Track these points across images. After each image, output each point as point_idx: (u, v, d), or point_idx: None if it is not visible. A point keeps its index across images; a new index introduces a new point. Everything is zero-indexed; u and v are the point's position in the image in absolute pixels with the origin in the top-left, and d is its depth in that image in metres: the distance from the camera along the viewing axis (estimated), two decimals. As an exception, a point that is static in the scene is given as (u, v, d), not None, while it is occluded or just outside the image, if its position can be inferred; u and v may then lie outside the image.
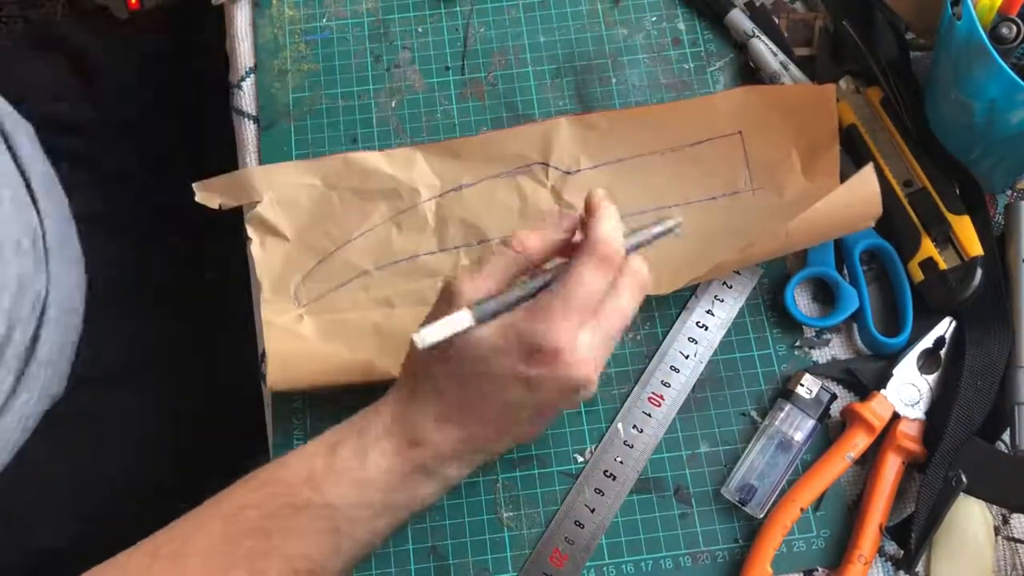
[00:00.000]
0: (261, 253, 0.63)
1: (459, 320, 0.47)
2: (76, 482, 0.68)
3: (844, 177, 0.61)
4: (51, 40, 0.78)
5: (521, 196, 0.63)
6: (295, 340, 0.60)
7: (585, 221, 0.51)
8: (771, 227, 0.57)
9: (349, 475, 0.49)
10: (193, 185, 0.63)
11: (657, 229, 0.52)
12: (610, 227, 0.49)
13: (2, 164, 0.64)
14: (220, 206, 0.64)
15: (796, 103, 0.63)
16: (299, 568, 0.49)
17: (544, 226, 0.51)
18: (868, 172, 0.56)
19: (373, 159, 0.64)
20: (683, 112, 0.64)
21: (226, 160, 0.67)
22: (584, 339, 0.48)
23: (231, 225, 0.68)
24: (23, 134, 0.70)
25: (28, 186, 0.66)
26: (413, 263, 0.62)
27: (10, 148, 0.68)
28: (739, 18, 0.67)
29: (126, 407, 0.71)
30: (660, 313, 0.62)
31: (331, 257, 0.62)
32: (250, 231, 0.63)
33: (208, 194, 0.63)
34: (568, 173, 0.63)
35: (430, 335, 0.47)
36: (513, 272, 0.51)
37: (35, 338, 0.64)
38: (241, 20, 0.70)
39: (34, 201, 0.66)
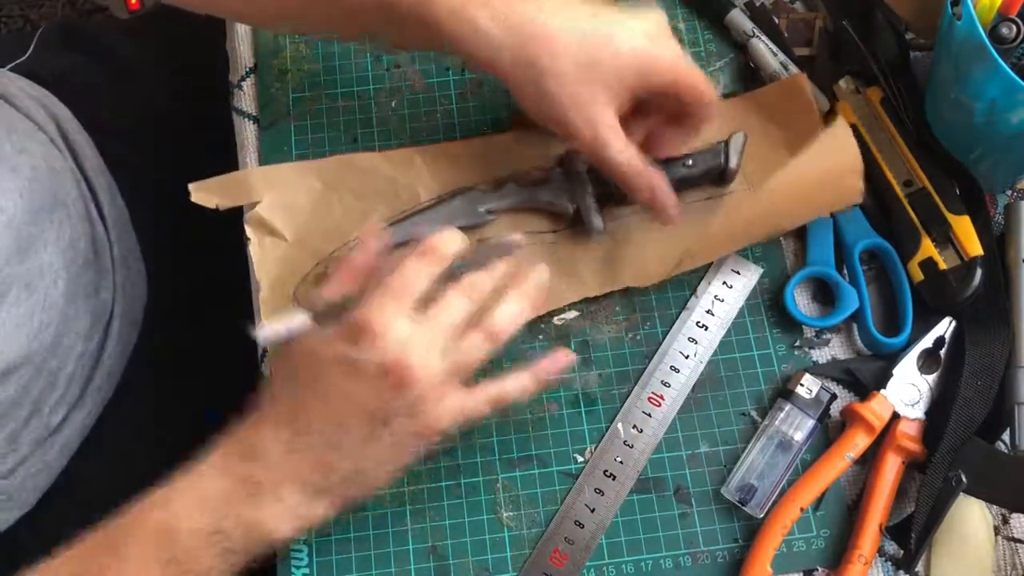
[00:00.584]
0: (260, 253, 0.62)
1: (296, 318, 0.48)
2: (107, 489, 0.69)
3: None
4: (85, 39, 0.78)
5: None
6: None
7: None
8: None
9: (190, 492, 0.49)
10: (189, 186, 0.63)
11: (502, 240, 0.53)
12: (444, 235, 0.52)
13: (71, 176, 0.64)
14: (217, 207, 0.63)
15: (773, 101, 0.64)
16: None
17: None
18: (839, 122, 0.57)
19: (372, 160, 0.64)
20: None
21: (226, 160, 0.67)
22: (402, 324, 0.48)
23: (225, 225, 0.68)
24: (85, 143, 0.71)
25: (96, 198, 0.67)
26: None
27: (76, 159, 0.68)
28: (739, 18, 0.67)
29: (152, 411, 0.72)
30: (660, 313, 0.62)
31: (330, 259, 0.62)
32: (249, 231, 0.63)
33: (205, 194, 0.63)
34: None
35: (265, 331, 0.48)
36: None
37: (100, 348, 0.65)
38: (241, 20, 0.70)
39: (100, 211, 0.67)
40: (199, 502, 0.48)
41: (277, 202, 0.63)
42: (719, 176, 0.62)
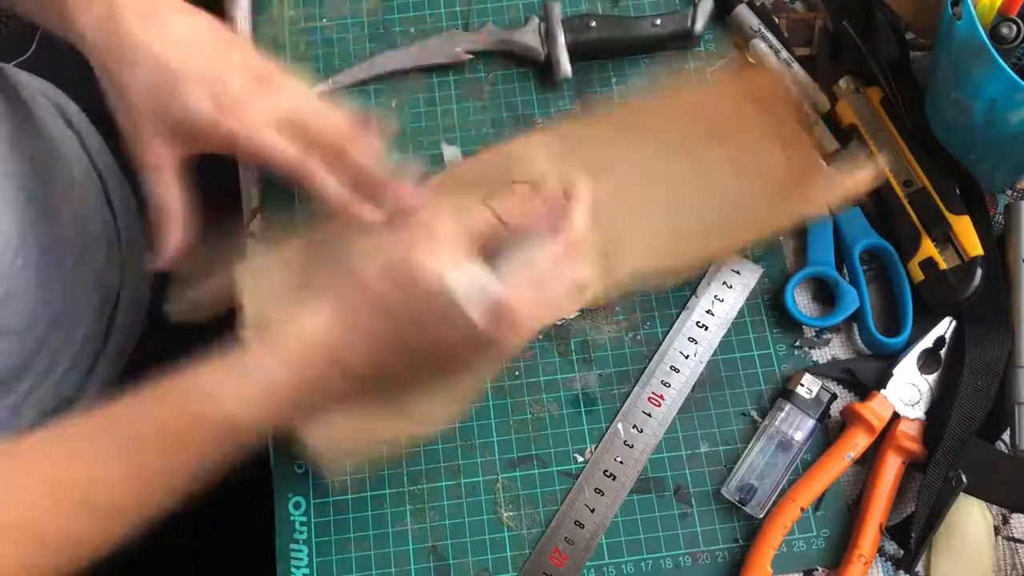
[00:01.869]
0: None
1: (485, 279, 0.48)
2: None
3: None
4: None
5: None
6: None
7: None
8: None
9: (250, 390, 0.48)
10: (165, 308, 0.59)
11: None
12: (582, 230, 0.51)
13: (78, 156, 0.64)
14: (205, 319, 0.58)
15: (737, 95, 0.63)
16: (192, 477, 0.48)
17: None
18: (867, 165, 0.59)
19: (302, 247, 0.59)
20: (681, 107, 0.63)
21: (226, 160, 0.67)
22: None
23: (227, 224, 0.68)
24: (91, 133, 0.71)
25: (104, 184, 0.67)
26: None
27: (87, 150, 0.69)
28: (745, 14, 0.67)
29: None
30: (660, 313, 0.62)
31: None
32: (239, 278, 0.58)
33: (190, 312, 0.59)
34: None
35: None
36: None
37: (107, 333, 0.66)
38: (241, 20, 0.70)
39: (110, 203, 0.67)
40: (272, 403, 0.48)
41: (259, 293, 0.58)
42: (685, 37, 0.65)
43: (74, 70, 0.77)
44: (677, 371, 0.60)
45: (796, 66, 0.66)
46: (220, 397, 0.48)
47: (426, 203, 0.54)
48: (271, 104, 0.54)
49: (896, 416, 0.58)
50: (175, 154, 0.56)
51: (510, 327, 0.47)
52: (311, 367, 0.49)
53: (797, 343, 0.61)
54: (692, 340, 0.61)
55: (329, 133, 0.54)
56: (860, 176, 0.59)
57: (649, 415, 0.59)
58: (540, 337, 0.61)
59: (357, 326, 0.49)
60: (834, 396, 0.58)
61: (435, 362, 0.51)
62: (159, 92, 0.54)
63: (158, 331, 0.73)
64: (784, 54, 0.66)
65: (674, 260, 0.60)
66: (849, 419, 0.58)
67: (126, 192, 0.74)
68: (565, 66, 0.66)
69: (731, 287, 0.62)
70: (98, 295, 0.66)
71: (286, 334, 0.49)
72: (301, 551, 0.57)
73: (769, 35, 0.66)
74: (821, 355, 0.61)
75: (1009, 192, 0.64)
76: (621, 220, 0.61)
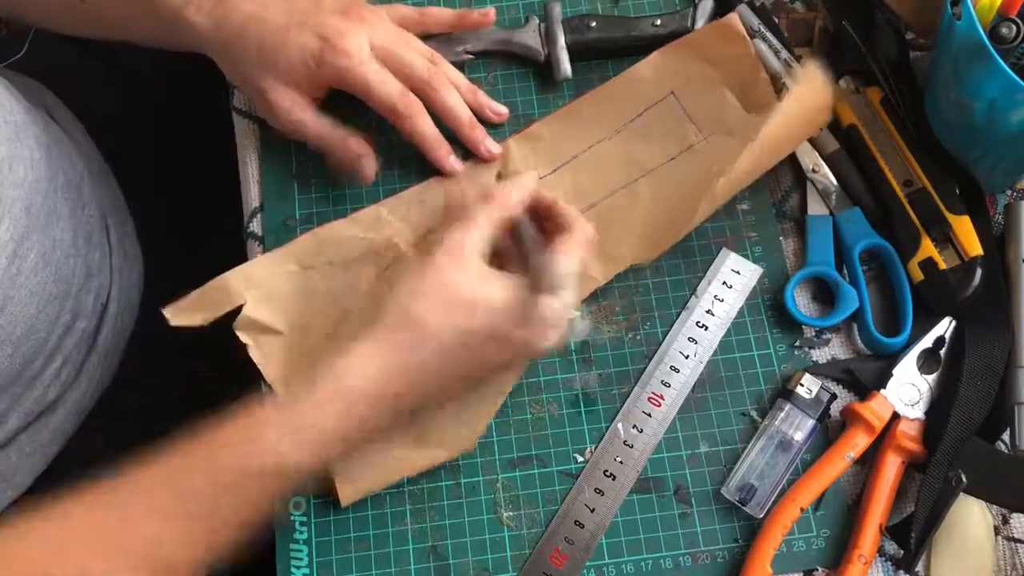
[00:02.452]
0: (260, 355, 0.60)
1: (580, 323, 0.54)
2: (104, 475, 0.69)
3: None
4: (77, 38, 0.79)
5: None
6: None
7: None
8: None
9: (307, 435, 0.50)
10: (165, 311, 0.60)
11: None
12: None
13: (57, 148, 0.64)
14: (204, 322, 0.60)
15: (709, 45, 0.64)
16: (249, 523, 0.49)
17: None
18: (810, 66, 0.60)
19: (340, 227, 0.63)
20: (614, 92, 0.66)
21: (226, 160, 0.67)
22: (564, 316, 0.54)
23: (227, 224, 0.68)
24: (77, 131, 0.71)
25: (83, 178, 0.67)
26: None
27: (78, 152, 0.69)
28: (746, 14, 0.67)
29: (150, 403, 0.72)
30: (660, 313, 0.62)
31: (336, 334, 0.60)
32: (243, 337, 0.60)
33: (186, 315, 0.60)
34: None
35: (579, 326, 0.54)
36: None
37: (96, 330, 0.65)
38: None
39: (96, 196, 0.67)
40: (322, 443, 0.50)
41: (260, 298, 0.61)
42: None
43: (66, 71, 0.77)
44: (677, 371, 0.60)
45: (796, 67, 0.65)
46: (279, 450, 0.48)
47: (497, 156, 0.63)
48: (367, 32, 0.60)
49: (896, 416, 0.58)
50: (305, 97, 0.61)
51: (555, 331, 0.52)
52: (366, 411, 0.50)
53: (797, 343, 0.61)
54: (692, 340, 0.61)
55: (420, 66, 0.61)
56: (810, 82, 0.60)
57: (649, 415, 0.59)
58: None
59: (417, 368, 0.51)
60: (834, 396, 0.58)
61: (482, 379, 0.55)
62: (270, 46, 0.59)
63: (149, 332, 0.73)
64: (784, 54, 0.66)
65: (668, 235, 0.62)
66: (849, 419, 0.58)
67: (116, 194, 0.73)
68: (565, 66, 0.66)
69: (731, 287, 0.62)
70: (90, 296, 0.65)
71: (340, 379, 0.50)
72: (301, 551, 0.57)
73: (769, 35, 0.66)
74: (821, 355, 0.61)
75: (1009, 192, 0.64)
76: (609, 218, 0.63)
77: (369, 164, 0.62)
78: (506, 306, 0.51)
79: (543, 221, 0.57)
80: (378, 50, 0.60)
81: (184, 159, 0.80)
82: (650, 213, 0.62)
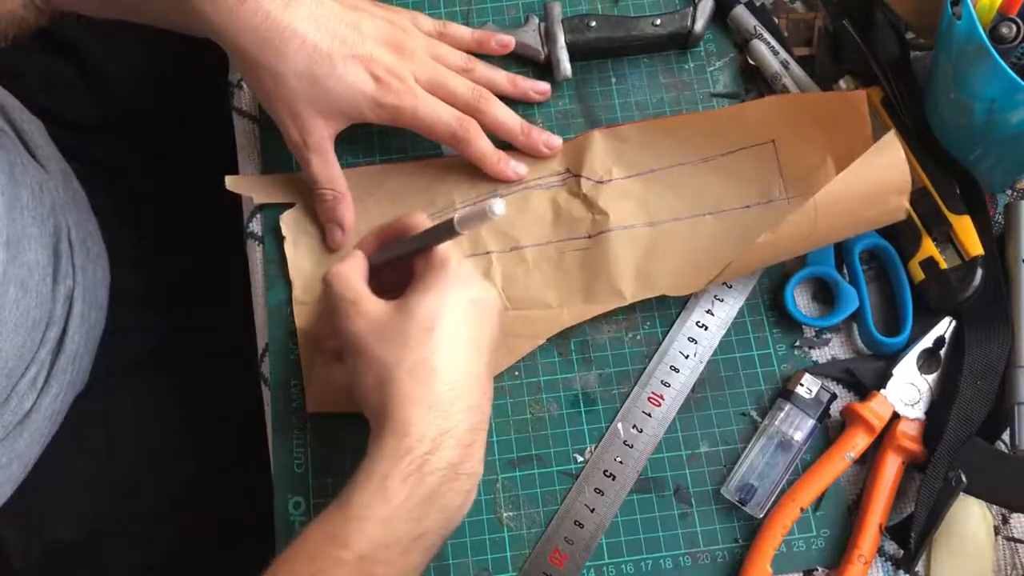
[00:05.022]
0: (294, 252, 0.63)
1: (495, 206, 0.48)
2: (90, 479, 0.69)
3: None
4: (55, 38, 0.79)
5: (555, 205, 0.63)
6: (332, 359, 0.60)
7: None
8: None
9: (372, 518, 0.47)
10: (226, 178, 0.64)
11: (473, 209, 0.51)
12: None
13: (20, 164, 0.64)
14: (255, 199, 0.64)
15: (828, 111, 0.62)
16: None
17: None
18: (890, 136, 0.56)
19: (410, 168, 0.64)
20: (715, 122, 0.64)
21: (226, 160, 0.67)
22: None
23: (226, 224, 0.68)
24: (36, 131, 0.70)
25: (42, 185, 0.66)
26: None
27: (25, 144, 0.68)
28: (744, 15, 0.67)
29: (136, 403, 0.72)
30: (660, 313, 0.62)
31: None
32: (284, 230, 0.63)
33: (244, 186, 0.64)
34: (600, 183, 0.63)
35: (466, 218, 0.49)
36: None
37: (63, 332, 0.65)
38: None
39: (54, 197, 0.67)
40: (392, 517, 0.47)
41: (311, 206, 0.64)
42: (685, 37, 0.65)
43: (37, 72, 0.77)
44: (677, 371, 0.60)
45: (795, 67, 0.66)
46: (346, 538, 0.47)
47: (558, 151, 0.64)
48: (413, 67, 0.60)
49: (896, 416, 0.58)
50: (332, 132, 0.60)
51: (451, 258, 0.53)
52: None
53: (797, 343, 0.61)
54: (692, 340, 0.61)
55: (465, 92, 0.61)
56: (885, 154, 0.56)
57: (649, 415, 0.59)
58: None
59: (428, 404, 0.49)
60: (834, 396, 0.58)
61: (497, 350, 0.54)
62: (316, 76, 0.57)
63: (125, 332, 0.72)
64: (783, 55, 0.66)
65: (702, 279, 0.60)
66: (849, 419, 0.58)
67: (76, 191, 0.72)
68: (565, 66, 0.66)
69: (731, 287, 0.62)
70: (58, 303, 0.65)
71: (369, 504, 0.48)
72: (301, 551, 0.57)
73: (768, 35, 0.66)
74: (821, 355, 0.61)
75: (1009, 192, 0.64)
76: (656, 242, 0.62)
77: (338, 236, 0.63)
78: (431, 293, 0.51)
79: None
80: (423, 82, 0.60)
81: (184, 159, 0.80)
82: (701, 252, 0.61)
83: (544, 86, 0.65)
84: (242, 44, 0.57)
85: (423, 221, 0.55)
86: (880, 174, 0.56)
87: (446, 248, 0.53)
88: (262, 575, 0.48)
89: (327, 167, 0.61)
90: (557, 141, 0.64)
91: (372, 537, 0.46)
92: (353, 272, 0.54)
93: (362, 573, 0.46)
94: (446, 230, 0.51)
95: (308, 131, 0.59)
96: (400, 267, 0.55)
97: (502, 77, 0.65)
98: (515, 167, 0.63)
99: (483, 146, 0.62)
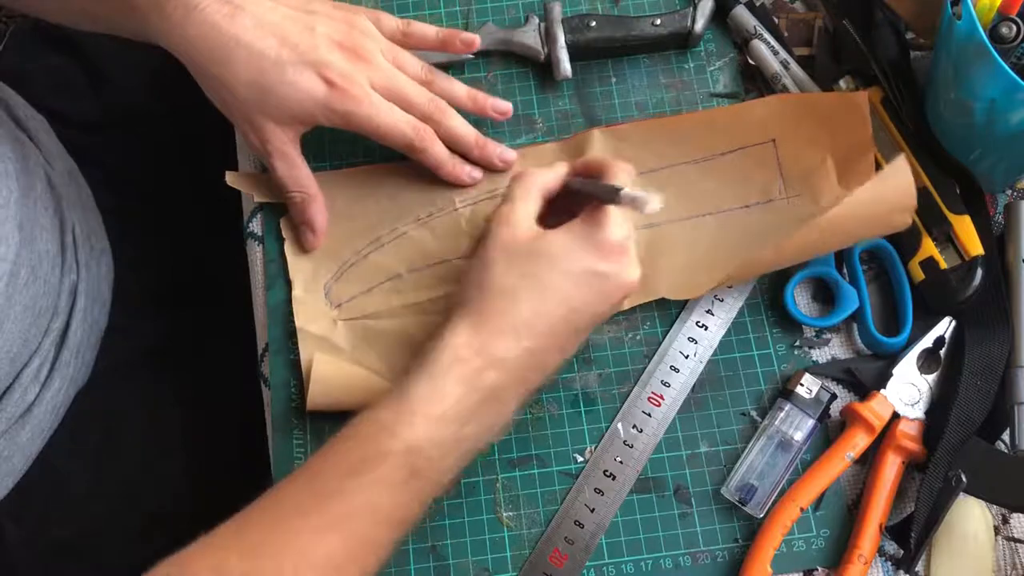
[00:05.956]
0: (294, 252, 0.63)
1: (650, 202, 0.49)
2: (90, 477, 0.69)
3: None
4: (58, 37, 0.79)
5: None
6: (333, 357, 0.60)
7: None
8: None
9: (423, 413, 0.48)
10: (227, 173, 0.64)
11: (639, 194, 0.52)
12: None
13: (32, 157, 0.64)
14: (255, 197, 0.64)
15: (829, 111, 0.62)
16: (386, 519, 0.48)
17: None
18: (900, 161, 0.56)
19: (410, 168, 0.64)
20: (715, 121, 0.64)
21: (227, 160, 0.67)
22: (632, 245, 0.53)
23: (226, 224, 0.68)
24: (40, 128, 0.71)
25: (50, 179, 0.67)
26: (446, 267, 0.62)
27: (32, 140, 0.68)
28: (743, 15, 0.67)
29: (137, 401, 0.72)
30: (660, 313, 0.62)
31: (364, 259, 0.63)
32: (285, 231, 0.63)
33: (244, 183, 0.64)
34: None
35: (627, 196, 0.50)
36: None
37: (67, 326, 0.65)
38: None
39: (60, 192, 0.67)
40: (442, 416, 0.49)
41: None
42: (685, 37, 0.65)
43: (41, 71, 0.77)
44: (677, 371, 0.60)
45: (794, 67, 0.66)
46: (400, 432, 0.48)
47: (515, 163, 0.63)
48: (369, 73, 0.59)
49: (896, 416, 0.58)
50: (292, 135, 0.60)
51: (629, 247, 0.53)
52: (483, 379, 0.50)
53: (797, 343, 0.61)
54: (692, 340, 0.61)
55: (422, 102, 0.60)
56: (895, 177, 0.56)
57: (649, 415, 0.59)
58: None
59: (521, 329, 0.51)
60: (834, 396, 0.58)
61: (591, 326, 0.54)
62: (265, 85, 0.57)
63: (128, 328, 0.72)
64: (783, 55, 0.66)
65: (704, 283, 0.60)
66: (849, 419, 0.58)
67: (80, 188, 0.73)
68: (565, 66, 0.66)
69: (731, 287, 0.62)
70: (62, 295, 0.65)
71: (441, 358, 0.50)
72: (301, 551, 0.57)
73: (767, 35, 0.66)
74: (821, 355, 0.61)
75: (1009, 192, 0.64)
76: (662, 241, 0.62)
77: (309, 238, 0.63)
78: (570, 244, 0.52)
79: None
80: (380, 88, 0.59)
81: (185, 160, 0.80)
82: (701, 253, 0.61)
83: (505, 106, 0.64)
84: (192, 56, 0.57)
85: (614, 171, 0.54)
86: (888, 196, 0.56)
87: (613, 214, 0.52)
88: (317, 451, 0.49)
89: (292, 169, 0.60)
90: (512, 155, 0.64)
91: (421, 431, 0.48)
92: (538, 183, 0.55)
93: (407, 466, 0.48)
94: (609, 192, 0.52)
95: (266, 138, 0.59)
96: (575, 200, 0.56)
97: (461, 91, 0.64)
98: (471, 171, 0.63)
99: (439, 152, 0.61)
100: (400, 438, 0.48)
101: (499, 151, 0.63)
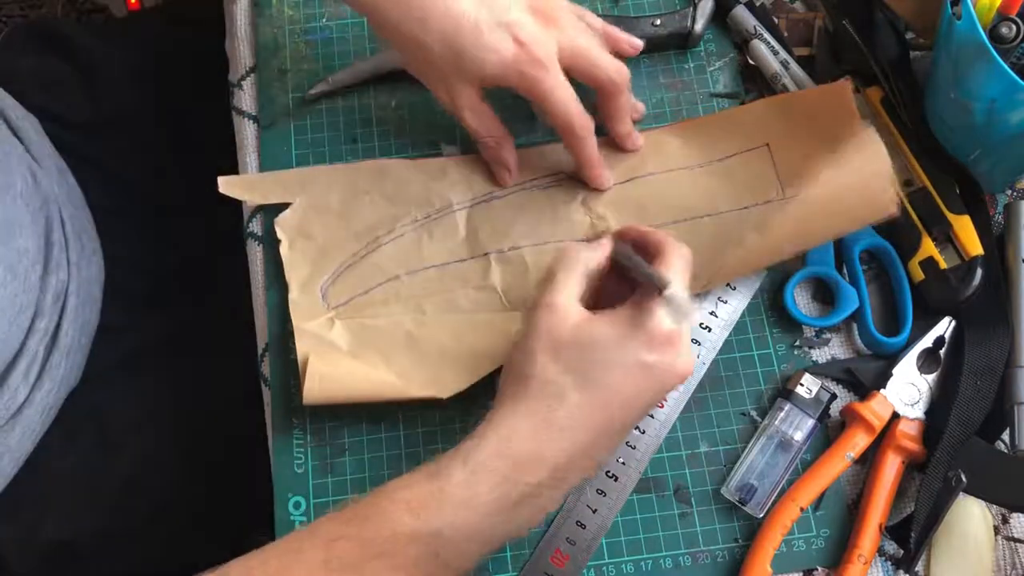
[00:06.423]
0: (291, 255, 0.63)
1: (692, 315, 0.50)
2: (84, 478, 0.69)
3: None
4: (52, 38, 0.79)
5: (552, 207, 0.63)
6: (329, 352, 0.60)
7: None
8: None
9: (454, 501, 0.47)
10: (219, 179, 0.63)
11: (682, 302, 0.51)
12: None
13: (15, 154, 0.64)
14: (249, 201, 0.64)
15: (815, 106, 0.62)
16: None
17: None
18: (871, 132, 0.57)
19: (406, 167, 0.64)
20: (709, 127, 0.64)
21: (226, 160, 0.67)
22: (688, 337, 0.52)
23: (225, 224, 0.68)
24: (30, 127, 0.71)
25: (36, 176, 0.67)
26: (443, 270, 0.62)
27: (20, 140, 0.68)
28: (743, 15, 0.67)
29: (133, 401, 0.71)
30: (660, 313, 0.62)
31: (361, 261, 0.62)
32: (280, 233, 0.63)
33: (238, 188, 0.64)
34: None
35: (672, 298, 0.50)
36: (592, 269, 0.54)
37: (57, 327, 0.65)
38: (241, 20, 0.70)
39: (47, 190, 0.67)
40: (472, 506, 0.47)
41: (309, 204, 0.63)
42: (685, 37, 0.66)
43: (35, 71, 0.77)
44: (678, 371, 0.60)
45: (794, 67, 0.66)
46: (420, 514, 0.47)
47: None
48: (557, 36, 0.58)
49: (896, 416, 0.58)
50: (479, 89, 0.59)
51: (681, 339, 0.51)
52: (517, 474, 0.48)
53: (797, 343, 0.61)
54: (696, 342, 0.61)
55: (608, 67, 0.60)
56: (864, 147, 0.57)
57: (652, 416, 0.59)
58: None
59: (564, 422, 0.49)
60: (834, 396, 0.58)
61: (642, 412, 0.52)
62: (460, 46, 0.57)
63: (120, 329, 0.72)
64: (782, 55, 0.66)
65: (703, 282, 0.60)
66: (849, 419, 0.58)
67: (71, 188, 0.72)
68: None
69: (735, 288, 0.62)
70: (48, 294, 0.65)
71: (481, 448, 0.48)
72: (301, 551, 0.57)
73: (767, 35, 0.66)
74: (821, 355, 0.61)
75: (1009, 192, 0.64)
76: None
77: (506, 175, 0.63)
78: (617, 333, 0.50)
79: (639, 251, 0.55)
80: (567, 51, 0.58)
81: (182, 159, 0.80)
82: (699, 254, 0.60)
83: (638, 41, 0.64)
84: (382, 10, 0.57)
85: (670, 257, 0.53)
86: (862, 165, 0.57)
87: (669, 298, 0.50)
88: (334, 515, 0.48)
89: (483, 119, 0.60)
90: (641, 141, 0.64)
91: (448, 516, 0.47)
92: (582, 262, 0.53)
93: (430, 554, 0.47)
94: (653, 284, 0.51)
95: (457, 94, 0.59)
96: (622, 276, 0.54)
97: (625, 42, 0.64)
98: (608, 178, 0.63)
99: (592, 149, 0.61)
100: (426, 521, 0.46)
101: (634, 134, 0.64)
